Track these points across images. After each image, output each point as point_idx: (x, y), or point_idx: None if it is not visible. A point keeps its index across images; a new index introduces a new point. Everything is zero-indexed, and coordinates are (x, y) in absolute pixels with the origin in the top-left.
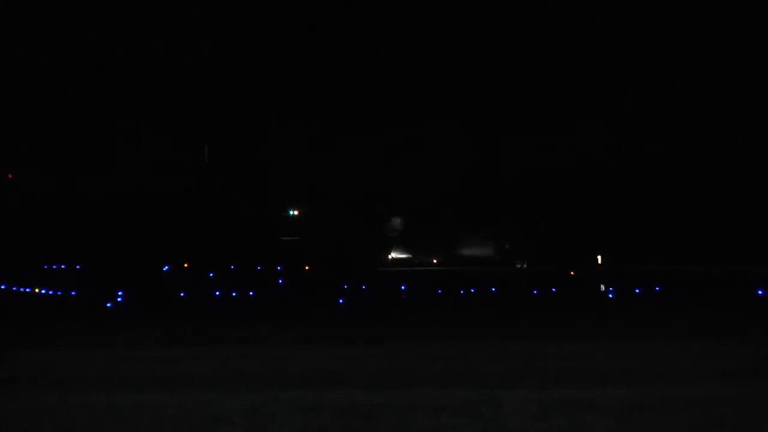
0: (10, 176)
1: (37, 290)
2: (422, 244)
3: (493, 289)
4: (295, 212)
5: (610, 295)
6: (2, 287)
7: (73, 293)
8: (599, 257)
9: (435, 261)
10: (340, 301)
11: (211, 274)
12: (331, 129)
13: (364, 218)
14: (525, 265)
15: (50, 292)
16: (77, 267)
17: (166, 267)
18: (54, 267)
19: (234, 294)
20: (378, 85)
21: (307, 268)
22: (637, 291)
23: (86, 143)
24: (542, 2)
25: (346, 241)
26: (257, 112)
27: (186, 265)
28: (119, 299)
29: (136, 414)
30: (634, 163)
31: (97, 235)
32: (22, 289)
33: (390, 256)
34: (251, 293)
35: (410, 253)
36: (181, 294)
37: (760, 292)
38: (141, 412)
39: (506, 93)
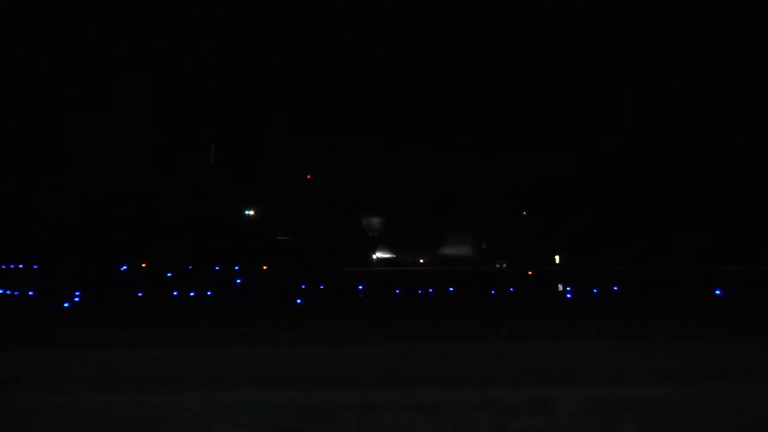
0: None
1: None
2: (403, 243)
3: (450, 289)
4: (251, 212)
5: (569, 295)
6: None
7: (31, 293)
8: (557, 257)
9: (422, 261)
10: (298, 301)
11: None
12: (314, 129)
13: (341, 218)
14: (504, 265)
15: (8, 292)
16: (35, 267)
17: (124, 267)
18: (12, 267)
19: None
20: (360, 86)
21: (265, 267)
22: (596, 290)
23: (44, 143)
24: (541, 4)
25: (324, 240)
26: (238, 111)
27: (144, 265)
28: (76, 299)
29: (135, 414)
30: (614, 162)
31: (58, 235)
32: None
33: (375, 256)
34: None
35: (393, 253)
36: (144, 294)
37: (718, 292)
38: (140, 412)
39: (483, 96)
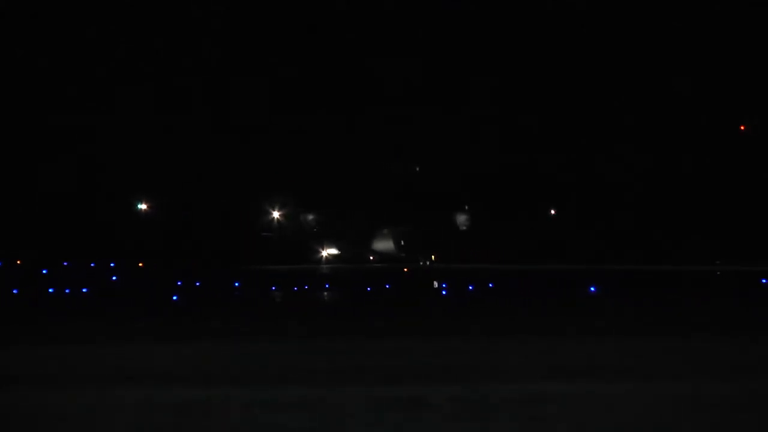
0: None
1: None
2: (342, 241)
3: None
4: (144, 206)
5: (444, 292)
6: None
7: None
8: (432, 256)
9: (372, 258)
10: (175, 298)
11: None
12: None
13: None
14: (428, 263)
15: None
16: None
17: None
18: None
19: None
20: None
21: (140, 265)
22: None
23: None
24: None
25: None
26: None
27: (19, 262)
28: None
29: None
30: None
31: None
32: None
33: (324, 254)
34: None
35: (338, 250)
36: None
37: (592, 289)
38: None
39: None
